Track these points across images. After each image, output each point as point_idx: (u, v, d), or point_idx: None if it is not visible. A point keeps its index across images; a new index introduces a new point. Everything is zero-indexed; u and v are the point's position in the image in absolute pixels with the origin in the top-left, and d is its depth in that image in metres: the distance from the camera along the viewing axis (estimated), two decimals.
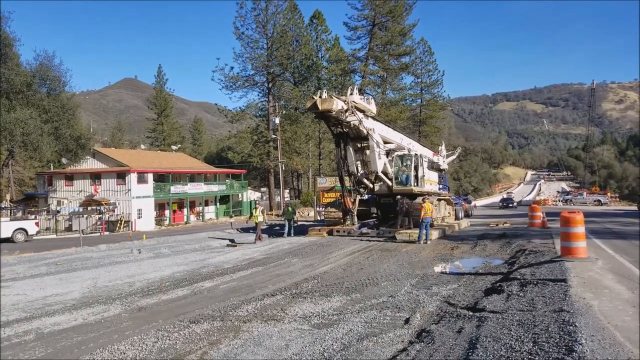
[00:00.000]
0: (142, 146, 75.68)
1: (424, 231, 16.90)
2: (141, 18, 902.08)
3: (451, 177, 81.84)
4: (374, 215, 22.38)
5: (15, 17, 59.68)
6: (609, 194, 75.66)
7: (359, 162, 21.06)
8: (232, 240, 20.87)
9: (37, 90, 35.52)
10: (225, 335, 6.49)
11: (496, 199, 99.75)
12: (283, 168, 49.17)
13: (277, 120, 46.44)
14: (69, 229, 36.94)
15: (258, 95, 54.27)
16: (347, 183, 20.56)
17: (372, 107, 20.12)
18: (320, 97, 17.34)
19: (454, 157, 35.88)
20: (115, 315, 7.89)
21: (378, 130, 20.21)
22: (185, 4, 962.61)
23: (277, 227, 26.87)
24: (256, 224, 20.85)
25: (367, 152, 20.59)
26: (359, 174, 20.63)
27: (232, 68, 50.89)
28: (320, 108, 17.14)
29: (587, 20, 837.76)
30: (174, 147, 64.19)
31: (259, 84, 52.84)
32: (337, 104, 17.21)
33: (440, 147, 32.11)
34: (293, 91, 52.43)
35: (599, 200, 62.52)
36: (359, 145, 20.98)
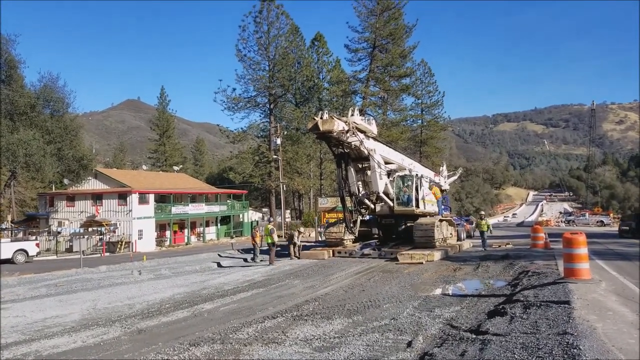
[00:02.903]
0: (144, 167, 75.99)
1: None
2: (144, 40, 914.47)
3: (453, 197, 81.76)
4: (376, 236, 22.30)
5: (20, 40, 60.53)
6: (611, 214, 75.32)
7: (360, 183, 21.07)
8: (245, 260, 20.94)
9: (41, 112, 35.93)
10: (226, 358, 6.41)
11: (499, 219, 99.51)
12: (284, 188, 49.17)
13: (279, 141, 46.64)
14: (69, 250, 36.83)
15: (260, 116, 54.76)
16: (349, 203, 20.53)
17: (373, 128, 20.21)
18: (321, 118, 17.43)
19: (455, 177, 35.91)
20: (115, 338, 7.81)
21: (379, 151, 20.27)
22: (188, 25, 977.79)
23: (278, 248, 26.74)
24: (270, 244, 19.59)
25: (369, 172, 20.61)
26: (360, 195, 20.61)
27: (234, 89, 51.53)
28: (321, 129, 17.21)
29: (587, 40, 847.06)
30: (175, 168, 64.40)
31: (260, 105, 53.32)
32: (338, 125, 17.30)
33: (441, 167, 32.15)
34: (294, 112, 52.82)
35: (602, 221, 62.23)
36: (360, 166, 21.02)
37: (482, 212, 27.95)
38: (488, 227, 23.16)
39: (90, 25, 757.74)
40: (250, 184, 54.48)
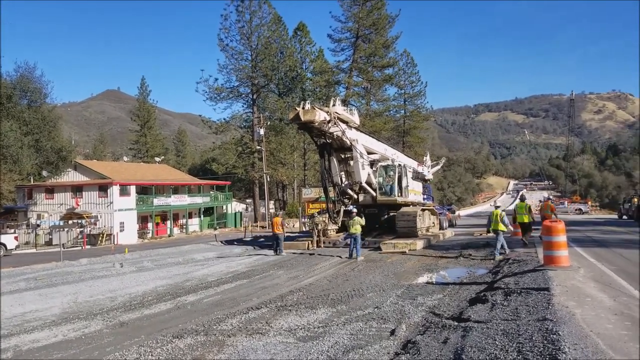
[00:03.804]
0: (125, 158, 74.90)
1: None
2: (124, 29, 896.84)
3: (435, 187, 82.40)
4: None
5: None
6: (589, 202, 76.73)
7: (343, 173, 21.10)
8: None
9: (18, 102, 35.11)
10: (209, 350, 6.40)
11: (480, 208, 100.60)
12: (268, 179, 49.00)
13: (262, 132, 46.36)
14: (49, 243, 36.25)
15: (242, 106, 54.28)
16: (332, 194, 20.56)
17: (355, 118, 20.22)
18: (302, 108, 17.37)
19: (438, 167, 36.19)
20: (97, 331, 7.73)
21: (362, 141, 20.31)
22: (169, 14, 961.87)
23: (261, 239, 26.74)
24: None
25: (351, 162, 20.66)
26: (343, 185, 20.66)
27: (216, 79, 50.88)
28: (302, 119, 17.18)
29: (568, 31, 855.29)
30: (157, 159, 63.66)
31: (243, 95, 52.86)
32: (320, 115, 17.26)
33: (425, 157, 32.37)
34: (278, 102, 52.51)
35: (580, 209, 63.36)
36: (342, 156, 21.04)
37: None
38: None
39: (68, 14, 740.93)
40: (234, 175, 54.16)
